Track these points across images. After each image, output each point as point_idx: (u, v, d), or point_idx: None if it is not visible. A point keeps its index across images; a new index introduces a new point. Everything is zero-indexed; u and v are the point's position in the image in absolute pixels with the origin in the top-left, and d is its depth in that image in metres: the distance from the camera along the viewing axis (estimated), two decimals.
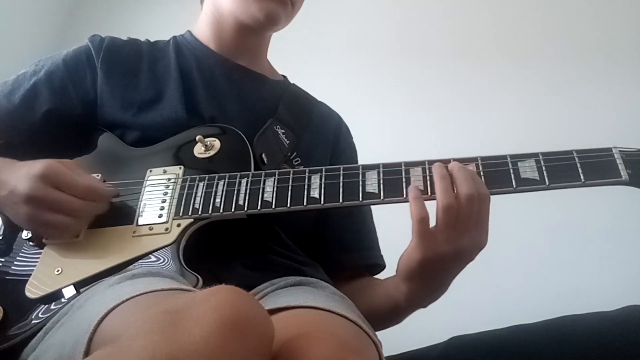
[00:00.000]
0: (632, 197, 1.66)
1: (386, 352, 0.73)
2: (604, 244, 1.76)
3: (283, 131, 0.99)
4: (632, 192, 1.65)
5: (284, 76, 1.16)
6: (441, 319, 1.54)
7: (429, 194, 0.75)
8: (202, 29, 1.08)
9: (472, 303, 1.72)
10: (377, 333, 0.74)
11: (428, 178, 0.76)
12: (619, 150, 0.71)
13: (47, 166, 0.78)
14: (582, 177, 0.71)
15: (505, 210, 1.82)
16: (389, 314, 0.80)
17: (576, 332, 1.00)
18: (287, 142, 0.98)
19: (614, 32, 2.03)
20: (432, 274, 0.76)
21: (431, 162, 0.76)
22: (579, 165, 0.72)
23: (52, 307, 0.75)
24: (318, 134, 1.07)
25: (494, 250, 1.97)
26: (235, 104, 0.99)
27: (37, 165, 0.78)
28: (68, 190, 0.78)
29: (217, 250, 0.85)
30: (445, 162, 0.76)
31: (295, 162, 0.98)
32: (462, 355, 1.02)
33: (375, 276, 1.03)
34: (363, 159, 0.98)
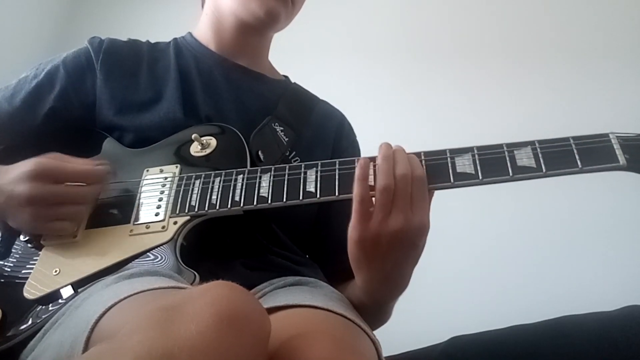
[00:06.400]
0: (632, 196, 1.66)
1: (386, 352, 0.72)
2: (604, 244, 1.76)
3: (282, 128, 0.99)
4: (631, 192, 1.65)
5: (286, 76, 1.16)
6: (441, 319, 1.55)
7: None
8: (203, 30, 1.09)
9: (472, 303, 1.72)
10: (376, 332, 0.73)
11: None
12: (616, 136, 0.70)
13: (37, 163, 0.78)
14: (579, 163, 0.70)
15: (505, 211, 1.84)
16: (362, 313, 0.79)
17: (576, 332, 1.00)
18: (286, 139, 0.98)
19: (612, 30, 2.03)
20: (372, 258, 0.73)
21: (427, 154, 0.76)
22: (575, 151, 0.70)
23: (50, 307, 0.75)
24: (319, 132, 1.07)
25: (495, 251, 1.98)
26: (232, 104, 0.99)
27: (27, 165, 0.78)
28: (65, 180, 0.79)
29: (216, 250, 0.85)
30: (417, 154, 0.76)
31: (294, 161, 0.98)
32: (462, 355, 1.02)
33: None
34: (365, 155, 0.98)
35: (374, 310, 0.85)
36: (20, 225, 0.81)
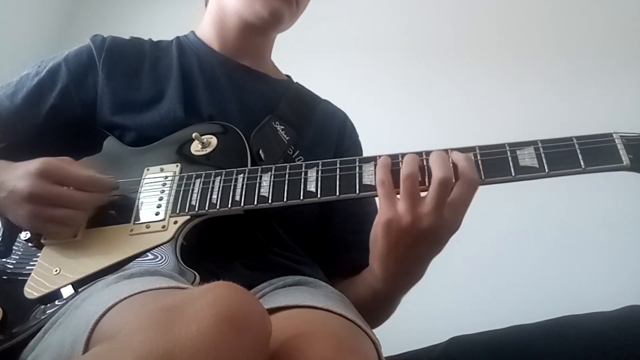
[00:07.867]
0: (632, 196, 1.66)
1: (386, 352, 0.72)
2: (604, 244, 1.76)
3: (282, 127, 0.98)
4: (632, 191, 1.65)
5: (288, 76, 1.16)
6: (441, 319, 1.55)
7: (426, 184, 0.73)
8: (206, 29, 1.08)
9: (472, 303, 1.72)
10: (376, 333, 0.73)
11: (425, 168, 0.75)
12: (620, 135, 0.69)
13: (45, 162, 0.79)
14: (582, 163, 0.69)
15: (505, 210, 1.84)
16: (372, 304, 0.79)
17: (576, 332, 1.00)
18: (287, 138, 0.98)
19: (613, 30, 2.03)
20: (395, 245, 0.73)
21: (428, 153, 0.76)
22: (578, 151, 0.70)
23: (50, 307, 0.75)
24: (321, 131, 1.06)
25: (495, 250, 1.98)
26: (235, 103, 0.99)
27: (34, 163, 0.79)
28: (68, 184, 0.79)
29: (216, 250, 0.85)
30: (444, 151, 0.75)
31: (298, 160, 0.98)
32: (462, 355, 1.02)
33: None
34: (367, 154, 0.98)
35: (386, 300, 0.86)
36: (19, 222, 0.81)
